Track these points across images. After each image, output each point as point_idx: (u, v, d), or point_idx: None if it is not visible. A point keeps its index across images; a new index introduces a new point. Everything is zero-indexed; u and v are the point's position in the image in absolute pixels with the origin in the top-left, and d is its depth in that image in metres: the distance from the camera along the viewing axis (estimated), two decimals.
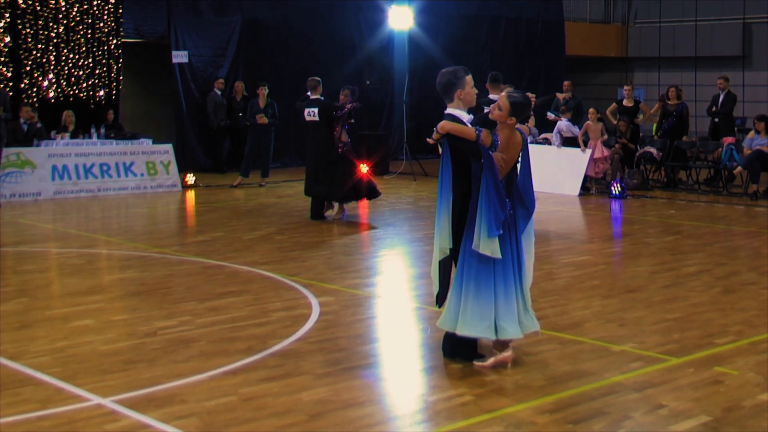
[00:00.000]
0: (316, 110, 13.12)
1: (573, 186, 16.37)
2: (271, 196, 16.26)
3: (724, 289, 9.02)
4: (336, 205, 13.52)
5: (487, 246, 6.15)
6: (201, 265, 10.11)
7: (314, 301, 8.32)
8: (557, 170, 16.52)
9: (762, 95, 21.19)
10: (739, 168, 15.96)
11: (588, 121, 16.72)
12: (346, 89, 13.78)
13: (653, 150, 17.20)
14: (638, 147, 17.52)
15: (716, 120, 18.00)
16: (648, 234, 12.32)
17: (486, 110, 6.75)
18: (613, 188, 15.87)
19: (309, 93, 13.34)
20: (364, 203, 14.49)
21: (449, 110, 6.47)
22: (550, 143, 17.75)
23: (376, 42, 21.53)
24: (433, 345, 7.11)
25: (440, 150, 6.43)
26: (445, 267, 6.50)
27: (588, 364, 6.54)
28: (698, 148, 17.79)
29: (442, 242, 6.36)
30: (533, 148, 16.89)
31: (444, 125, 6.28)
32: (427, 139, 6.57)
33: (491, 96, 12.36)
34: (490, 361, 6.40)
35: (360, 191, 13.37)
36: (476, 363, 6.42)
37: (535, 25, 24.90)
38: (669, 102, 17.77)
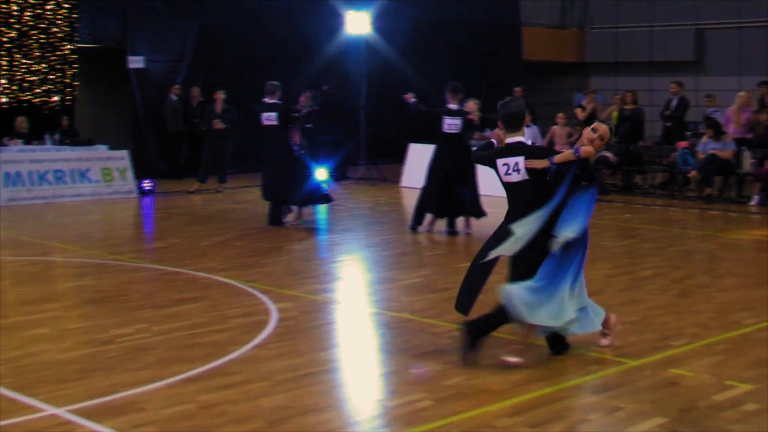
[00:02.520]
0: (274, 115, 13.10)
1: None
2: (229, 201, 16.19)
3: (679, 292, 9.14)
4: (295, 209, 13.50)
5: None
6: (158, 271, 10.04)
7: (273, 307, 8.30)
8: None
9: (716, 100, 21.46)
10: (694, 172, 16.17)
11: (555, 126, 16.82)
12: (307, 93, 13.78)
13: (609, 154, 17.34)
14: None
15: (669, 124, 18.24)
16: (604, 238, 12.45)
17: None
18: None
19: (266, 98, 13.32)
20: (323, 208, 14.49)
21: (519, 139, 6.72)
22: None
23: (334, 47, 21.52)
24: (392, 350, 7.13)
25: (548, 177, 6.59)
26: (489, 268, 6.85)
27: (547, 367, 6.59)
28: (654, 152, 17.99)
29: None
30: None
31: (558, 159, 6.53)
32: (538, 165, 6.63)
33: (450, 106, 12.45)
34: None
35: (317, 196, 13.36)
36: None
37: (493, 30, 25.04)
38: (625, 107, 17.96)
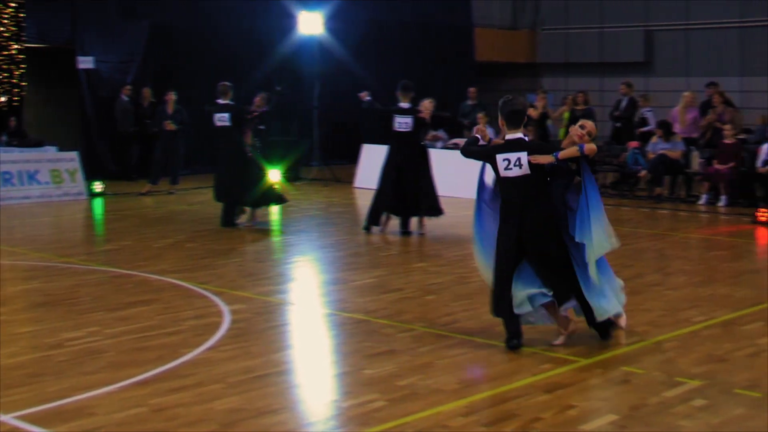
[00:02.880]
0: (227, 115, 13.03)
1: None
2: (181, 203, 16.07)
3: (630, 290, 9.18)
4: (248, 211, 13.44)
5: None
6: (109, 274, 9.93)
7: (226, 309, 8.25)
8: (468, 175, 16.66)
9: (664, 101, 21.72)
10: (644, 172, 16.37)
11: None
12: (262, 94, 13.73)
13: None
14: None
15: (618, 125, 18.43)
16: None
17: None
18: None
19: (219, 99, 13.24)
20: (276, 209, 14.45)
21: (519, 135, 7.00)
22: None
23: (287, 47, 21.44)
24: (346, 351, 7.13)
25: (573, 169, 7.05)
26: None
27: (500, 367, 6.63)
28: (604, 152, 18.18)
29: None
30: (443, 154, 17.16)
31: (563, 155, 6.91)
32: (543, 160, 6.94)
33: (401, 104, 12.47)
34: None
35: (271, 197, 13.32)
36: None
37: (445, 31, 25.11)
38: (576, 107, 18.11)
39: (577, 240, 6.92)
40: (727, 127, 15.79)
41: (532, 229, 6.96)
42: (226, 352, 6.96)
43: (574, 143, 7.09)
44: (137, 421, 5.48)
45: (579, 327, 7.21)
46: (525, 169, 6.89)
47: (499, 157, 6.98)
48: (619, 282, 7.35)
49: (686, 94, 17.10)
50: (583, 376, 6.43)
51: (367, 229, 12.67)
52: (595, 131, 7.18)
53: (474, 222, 7.39)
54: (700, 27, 23.42)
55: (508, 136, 7.03)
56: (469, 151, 7.35)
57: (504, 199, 7.12)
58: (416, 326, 7.72)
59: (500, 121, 7.09)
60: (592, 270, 6.92)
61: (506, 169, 6.95)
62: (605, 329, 7.23)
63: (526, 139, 7.05)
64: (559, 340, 7.15)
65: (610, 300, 7.06)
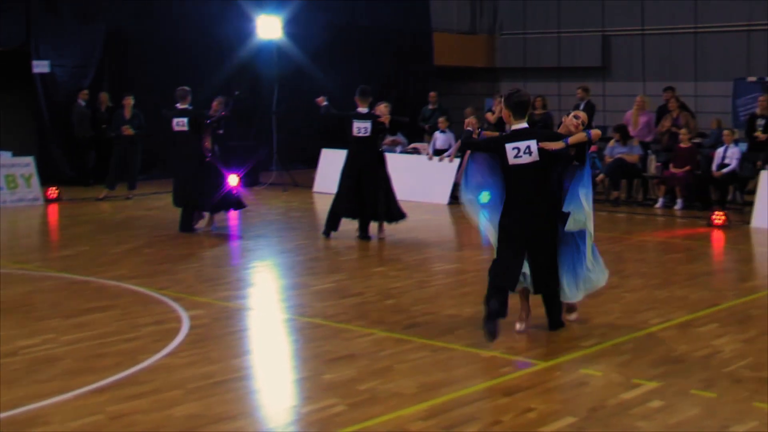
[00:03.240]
0: (185, 120, 12.95)
1: (442, 195, 16.60)
2: (138, 208, 15.93)
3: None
4: (206, 216, 13.36)
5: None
6: (65, 280, 9.82)
7: (184, 315, 8.20)
8: (427, 179, 16.74)
9: (621, 105, 21.92)
10: (602, 175, 16.51)
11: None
12: (220, 98, 13.66)
13: None
14: None
15: None
16: None
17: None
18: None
19: (178, 103, 13.16)
20: (234, 214, 14.38)
21: (525, 125, 7.43)
22: (419, 153, 17.97)
23: (245, 52, 21.36)
24: (306, 356, 7.11)
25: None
26: None
27: (459, 370, 6.66)
28: None
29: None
30: (403, 158, 17.17)
31: (572, 140, 7.35)
32: (555, 146, 7.35)
33: (359, 109, 12.48)
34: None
35: (229, 202, 13.26)
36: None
37: (404, 36, 25.17)
38: (535, 112, 18.23)
39: (564, 209, 7.35)
40: (683, 131, 15.98)
41: (535, 219, 7.39)
42: (185, 357, 6.91)
43: (570, 132, 7.53)
44: (94, 430, 5.42)
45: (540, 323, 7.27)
46: (534, 156, 7.28)
47: (509, 146, 7.32)
48: (596, 279, 7.75)
49: (638, 98, 17.27)
50: (542, 378, 6.47)
51: (327, 234, 12.65)
52: (587, 120, 7.77)
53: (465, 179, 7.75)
54: (655, 32, 23.69)
55: (515, 126, 7.41)
56: (472, 143, 7.57)
57: (510, 189, 7.46)
58: (376, 330, 7.72)
59: (505, 112, 7.44)
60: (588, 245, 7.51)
61: (516, 157, 7.30)
62: (556, 320, 7.69)
63: (527, 127, 7.46)
64: (521, 327, 7.64)
65: (573, 288, 7.59)
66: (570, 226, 7.38)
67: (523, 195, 7.37)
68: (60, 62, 19.06)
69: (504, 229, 7.46)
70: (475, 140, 7.56)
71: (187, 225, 13.10)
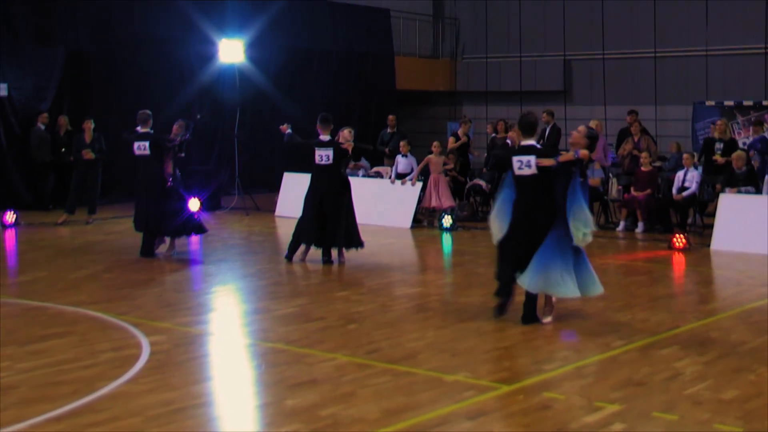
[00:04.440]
0: (146, 144, 12.89)
1: (405, 218, 16.62)
2: (98, 233, 15.78)
3: (552, 317, 9.34)
4: (167, 240, 13.27)
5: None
6: (22, 306, 9.69)
7: (144, 341, 8.12)
8: (389, 203, 16.75)
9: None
10: None
11: (431, 155, 16.95)
12: (181, 121, 13.60)
13: (482, 182, 17.71)
14: (468, 179, 18.00)
15: None
16: (479, 264, 12.66)
17: None
18: (444, 221, 16.17)
19: (138, 127, 13.09)
20: (196, 239, 14.30)
21: (531, 142, 8.85)
22: (381, 176, 17.99)
23: (207, 75, 21.32)
24: (268, 381, 7.07)
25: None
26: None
27: (422, 395, 6.65)
28: None
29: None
30: (365, 182, 17.18)
31: (562, 159, 8.61)
32: (546, 163, 8.66)
33: (321, 137, 12.49)
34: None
35: (191, 226, 13.18)
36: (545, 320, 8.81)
37: (366, 60, 25.28)
38: (497, 135, 18.34)
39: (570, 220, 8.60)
40: (644, 155, 16.16)
41: (533, 221, 8.66)
42: (145, 384, 6.84)
43: (578, 145, 8.75)
44: None
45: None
46: (533, 170, 8.63)
47: (515, 159, 8.77)
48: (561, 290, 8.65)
49: (593, 122, 17.42)
50: (505, 402, 6.49)
51: (289, 258, 12.62)
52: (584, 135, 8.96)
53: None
54: (616, 57, 23.99)
55: (522, 143, 8.87)
56: (495, 155, 9.28)
57: (517, 194, 8.83)
58: (338, 355, 7.70)
59: (516, 131, 9.21)
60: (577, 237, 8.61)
61: (519, 168, 8.74)
62: (530, 313, 8.73)
63: (537, 145, 8.84)
64: (547, 320, 8.77)
65: (535, 278, 8.57)
66: (577, 241, 8.62)
67: (525, 201, 8.74)
68: (18, 85, 18.89)
69: (513, 225, 8.80)
70: (498, 153, 9.18)
71: (148, 250, 13.00)
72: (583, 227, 8.58)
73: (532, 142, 8.85)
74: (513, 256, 8.75)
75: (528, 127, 8.91)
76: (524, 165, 8.66)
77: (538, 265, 8.55)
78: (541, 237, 8.58)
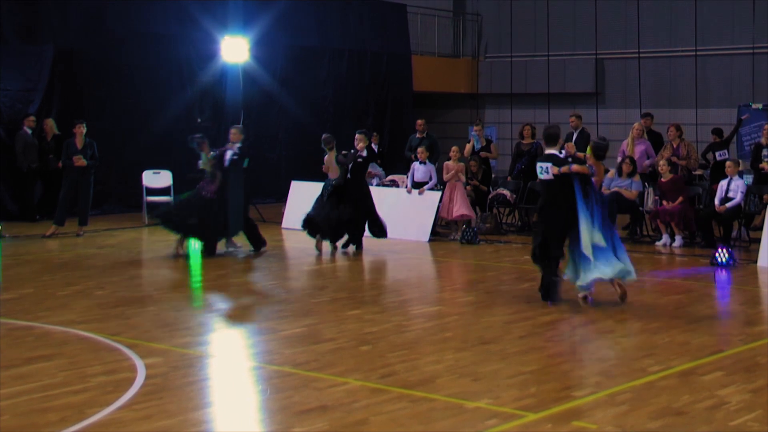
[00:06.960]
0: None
1: (423, 231, 16.60)
2: (90, 246, 15.85)
3: (581, 338, 9.33)
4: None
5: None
6: (6, 326, 9.73)
7: (140, 363, 8.15)
8: (407, 215, 16.71)
9: (617, 133, 22.12)
10: None
11: (448, 161, 16.93)
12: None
13: (506, 192, 17.69)
14: (491, 189, 17.97)
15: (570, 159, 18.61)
16: (502, 281, 12.64)
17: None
18: (466, 233, 16.16)
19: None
20: (196, 253, 14.37)
21: (553, 151, 10.72)
22: (398, 186, 18.00)
23: (208, 75, 21.39)
24: (273, 407, 7.07)
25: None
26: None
27: (441, 422, 6.64)
28: None
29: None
30: (380, 192, 17.20)
31: (575, 168, 10.49)
32: (559, 170, 10.53)
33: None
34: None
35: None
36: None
37: (380, 59, 25.31)
38: (523, 141, 18.33)
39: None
40: (662, 162, 16.08)
41: (555, 219, 10.66)
42: (140, 411, 6.86)
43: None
44: None
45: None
46: (550, 176, 10.57)
47: (538, 165, 10.80)
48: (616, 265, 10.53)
49: (635, 125, 17.38)
50: (531, 431, 6.46)
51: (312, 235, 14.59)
52: (573, 151, 11.27)
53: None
54: (653, 56, 23.97)
55: (546, 151, 10.75)
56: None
57: (541, 197, 10.97)
58: (350, 379, 7.70)
59: (543, 140, 10.98)
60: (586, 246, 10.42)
61: (540, 173, 10.75)
62: (551, 289, 10.72)
63: (558, 154, 10.65)
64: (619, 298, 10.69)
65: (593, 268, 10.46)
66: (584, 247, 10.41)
67: (547, 201, 10.71)
68: (4, 86, 19.00)
69: (547, 219, 10.77)
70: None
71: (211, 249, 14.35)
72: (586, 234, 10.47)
73: (554, 151, 10.72)
74: (556, 236, 10.65)
75: (550, 138, 10.84)
76: (544, 171, 10.68)
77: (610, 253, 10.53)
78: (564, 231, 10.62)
